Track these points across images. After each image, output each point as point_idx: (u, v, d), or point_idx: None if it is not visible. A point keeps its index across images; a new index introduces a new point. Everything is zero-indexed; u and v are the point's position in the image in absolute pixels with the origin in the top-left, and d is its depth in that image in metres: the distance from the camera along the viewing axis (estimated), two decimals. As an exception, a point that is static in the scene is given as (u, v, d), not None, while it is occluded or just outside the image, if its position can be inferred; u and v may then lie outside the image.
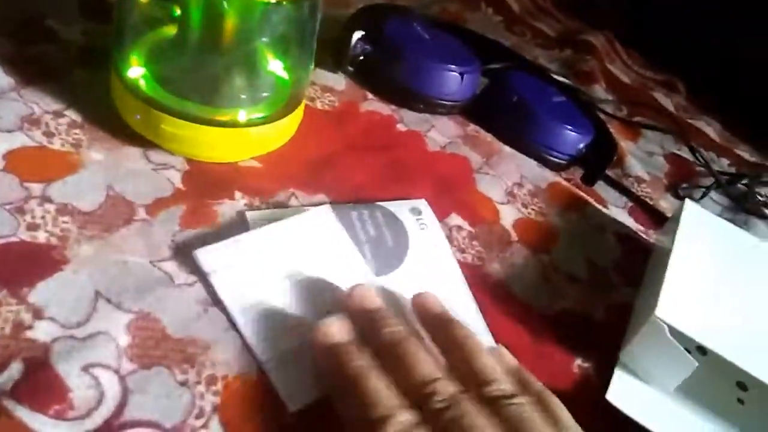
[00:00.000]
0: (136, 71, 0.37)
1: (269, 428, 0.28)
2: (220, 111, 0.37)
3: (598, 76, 0.72)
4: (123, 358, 0.28)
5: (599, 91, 0.70)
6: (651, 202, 0.55)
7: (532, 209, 0.47)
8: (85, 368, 0.27)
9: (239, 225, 0.36)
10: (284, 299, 0.32)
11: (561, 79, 0.61)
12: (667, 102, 0.76)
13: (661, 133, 0.67)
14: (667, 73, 0.82)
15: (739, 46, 0.80)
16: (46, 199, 0.33)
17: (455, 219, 0.43)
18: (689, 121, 0.74)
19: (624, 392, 0.35)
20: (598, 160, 0.52)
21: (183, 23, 0.37)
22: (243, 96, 0.38)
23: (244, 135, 0.37)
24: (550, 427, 0.27)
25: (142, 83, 0.36)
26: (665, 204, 0.56)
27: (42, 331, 0.27)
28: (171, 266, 0.32)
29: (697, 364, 0.34)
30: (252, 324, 0.31)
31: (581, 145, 0.52)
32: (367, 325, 0.30)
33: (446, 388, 0.27)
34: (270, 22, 0.37)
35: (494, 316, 0.37)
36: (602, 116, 0.60)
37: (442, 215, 0.42)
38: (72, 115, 0.38)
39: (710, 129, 0.75)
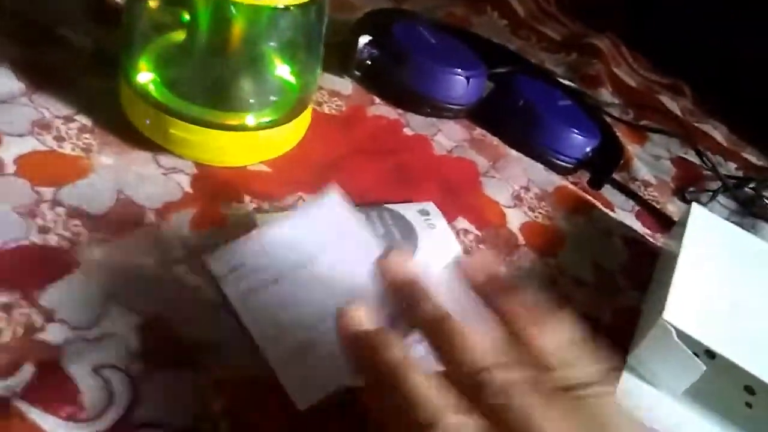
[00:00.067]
0: (145, 76, 0.37)
1: (279, 429, 0.28)
2: (229, 115, 0.37)
3: (604, 79, 0.72)
4: (133, 360, 0.28)
5: (605, 94, 0.70)
6: (658, 206, 0.55)
7: (539, 213, 0.48)
8: (96, 370, 0.27)
9: (248, 228, 0.36)
10: (294, 296, 0.32)
11: (567, 82, 0.61)
12: (673, 105, 0.76)
13: (667, 137, 0.67)
14: (672, 76, 0.82)
15: (745, 49, 0.79)
16: (57, 202, 0.33)
17: (462, 222, 0.43)
18: (696, 124, 0.74)
19: (632, 396, 0.35)
20: (605, 164, 0.52)
21: (191, 28, 0.37)
22: (251, 100, 0.38)
23: (253, 139, 0.38)
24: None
25: (151, 88, 0.37)
26: (672, 208, 0.56)
27: (53, 334, 0.28)
28: (181, 269, 0.32)
29: (705, 367, 0.34)
30: (260, 325, 0.31)
31: (588, 149, 0.52)
32: (405, 296, 0.26)
33: (504, 374, 0.23)
34: (277, 27, 0.38)
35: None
36: (608, 120, 0.60)
37: (448, 219, 0.42)
38: (82, 119, 0.38)
39: (717, 132, 0.74)
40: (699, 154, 0.63)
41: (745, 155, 0.73)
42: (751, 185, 0.63)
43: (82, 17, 0.46)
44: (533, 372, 0.23)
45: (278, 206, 0.38)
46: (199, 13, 0.36)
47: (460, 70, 0.51)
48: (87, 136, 0.37)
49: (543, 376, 0.23)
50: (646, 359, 0.37)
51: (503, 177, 0.49)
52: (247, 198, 0.38)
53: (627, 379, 0.36)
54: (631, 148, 0.62)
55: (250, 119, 0.38)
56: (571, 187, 0.52)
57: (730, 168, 0.69)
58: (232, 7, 0.35)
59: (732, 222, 0.50)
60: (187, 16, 0.37)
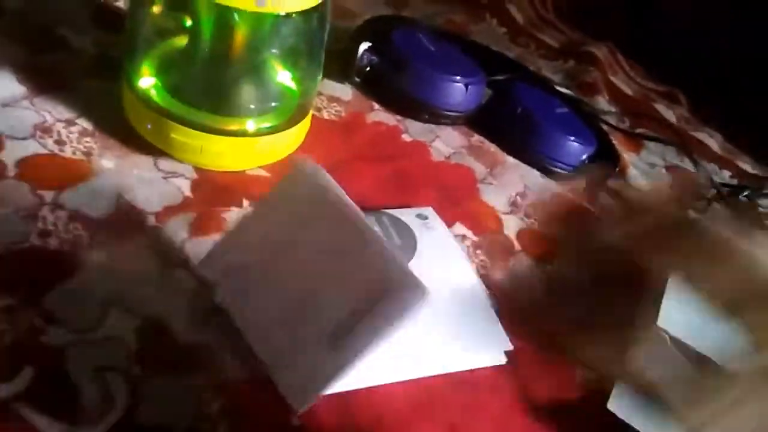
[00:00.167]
0: (147, 81, 0.38)
1: (278, 430, 0.28)
2: (230, 121, 0.37)
3: (601, 87, 0.73)
4: (133, 363, 0.28)
5: (602, 102, 0.70)
6: (653, 213, 0.55)
7: (536, 219, 0.48)
8: (96, 372, 0.27)
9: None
10: (281, 291, 0.30)
11: (564, 90, 0.62)
12: (669, 114, 0.77)
13: (663, 145, 0.67)
14: (669, 84, 0.83)
15: (741, 57, 0.80)
16: (58, 206, 0.33)
17: (459, 228, 0.43)
18: (691, 133, 0.75)
19: (625, 402, 0.36)
20: (601, 171, 0.53)
21: (194, 34, 0.38)
22: (252, 106, 0.39)
23: (253, 144, 0.38)
24: None
25: (153, 93, 0.37)
26: (667, 215, 0.57)
27: (54, 336, 0.28)
28: (180, 273, 0.33)
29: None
30: (252, 326, 0.31)
31: (584, 156, 0.53)
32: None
33: None
34: (279, 34, 0.38)
35: (498, 325, 0.38)
36: (605, 128, 0.60)
37: (446, 224, 0.42)
38: (84, 123, 0.38)
39: (712, 141, 0.75)
40: (694, 162, 0.64)
41: (740, 163, 0.74)
42: (746, 193, 0.63)
43: (85, 22, 0.46)
44: None
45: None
46: (202, 19, 0.36)
47: (458, 77, 0.51)
48: (88, 139, 0.38)
49: None
50: (640, 364, 0.37)
51: (500, 183, 0.50)
52: (246, 202, 0.38)
53: (619, 385, 0.37)
54: (627, 155, 0.62)
55: (250, 125, 0.38)
56: (568, 194, 0.52)
57: (725, 176, 0.69)
58: (234, 14, 0.35)
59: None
60: (189, 22, 0.37)
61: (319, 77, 0.42)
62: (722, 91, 0.80)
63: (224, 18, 0.36)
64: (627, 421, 0.34)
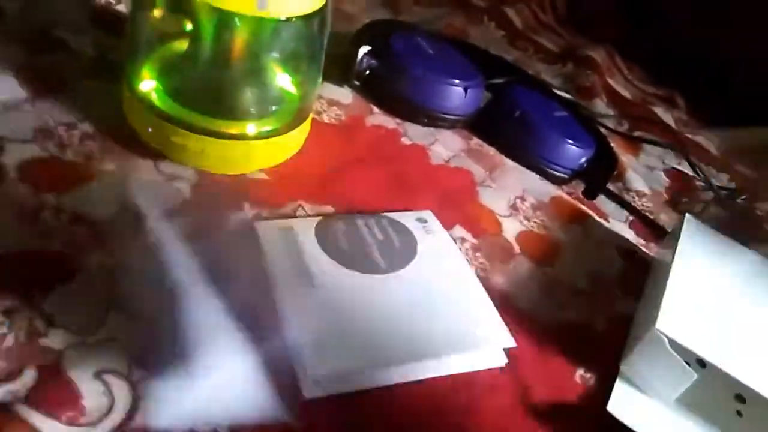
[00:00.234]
0: (148, 84, 0.38)
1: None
2: (230, 124, 0.38)
3: (599, 90, 0.73)
4: (134, 366, 0.28)
5: (600, 105, 0.71)
6: (651, 216, 0.56)
7: (535, 222, 0.48)
8: (97, 375, 0.27)
9: (247, 235, 0.36)
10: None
11: (563, 93, 0.62)
12: (667, 117, 0.77)
13: (661, 148, 0.67)
14: (667, 87, 0.83)
15: (740, 60, 0.81)
16: (58, 209, 0.33)
17: (459, 231, 0.44)
18: (689, 136, 0.75)
19: (624, 403, 0.36)
20: (600, 175, 0.53)
21: (194, 38, 0.38)
22: (252, 109, 0.39)
23: (253, 148, 0.38)
24: None
25: (153, 96, 0.37)
26: (665, 218, 0.57)
27: (55, 339, 0.28)
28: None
29: (696, 376, 0.35)
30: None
31: (583, 160, 0.53)
32: None
33: None
34: (280, 38, 0.38)
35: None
36: (603, 131, 0.61)
37: (446, 227, 0.42)
38: (84, 126, 0.39)
39: (710, 144, 0.75)
40: (692, 165, 0.64)
41: (738, 166, 0.74)
42: (743, 196, 0.64)
43: (86, 25, 0.46)
44: None
45: (277, 214, 0.39)
46: (202, 23, 0.36)
47: (457, 80, 0.52)
48: (89, 142, 0.38)
49: None
50: (638, 367, 0.37)
51: (500, 186, 0.50)
52: (246, 205, 0.38)
53: (619, 387, 0.37)
54: (626, 158, 0.63)
55: (251, 128, 0.38)
56: (566, 197, 0.53)
57: (723, 179, 0.69)
58: (235, 18, 0.35)
59: (724, 233, 0.50)
60: (190, 26, 0.38)
61: (319, 81, 0.42)
62: (721, 94, 0.80)
63: (225, 22, 0.36)
64: (626, 423, 0.35)
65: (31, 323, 0.28)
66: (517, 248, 0.45)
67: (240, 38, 0.37)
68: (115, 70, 0.39)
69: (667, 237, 0.52)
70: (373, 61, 0.51)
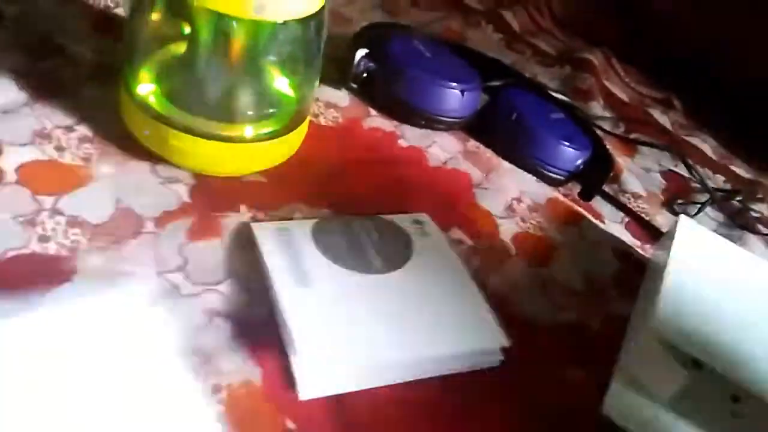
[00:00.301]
0: (145, 88, 0.38)
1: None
2: (227, 127, 0.38)
3: (596, 93, 0.73)
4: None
5: (597, 108, 0.71)
6: (647, 218, 0.56)
7: (531, 224, 0.48)
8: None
9: (245, 237, 0.37)
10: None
11: (559, 96, 0.62)
12: (663, 119, 0.77)
13: (657, 150, 0.68)
14: (664, 90, 0.84)
15: (737, 63, 0.81)
16: (56, 211, 0.34)
17: (456, 233, 0.44)
18: (685, 137, 0.75)
19: (620, 403, 0.36)
20: (596, 176, 0.53)
21: (192, 41, 0.38)
22: (250, 112, 0.39)
23: (251, 150, 0.38)
24: None
25: (151, 99, 0.38)
26: (661, 219, 0.57)
27: (53, 340, 0.28)
28: (177, 277, 0.33)
29: (691, 376, 0.35)
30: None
31: (579, 162, 0.53)
32: None
33: None
34: (277, 41, 0.39)
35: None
36: (600, 133, 0.61)
37: (442, 229, 0.43)
38: (83, 129, 0.39)
39: (706, 146, 0.76)
40: (688, 167, 0.64)
41: (734, 168, 0.74)
42: (739, 198, 0.64)
43: (84, 28, 0.46)
44: None
45: (274, 216, 0.39)
46: (200, 26, 0.37)
47: (454, 83, 0.52)
48: (87, 145, 0.38)
49: None
50: (634, 367, 0.37)
51: (496, 188, 0.50)
52: (243, 207, 0.38)
53: (615, 387, 0.37)
54: (622, 160, 0.63)
55: (248, 131, 0.38)
56: (563, 198, 0.53)
57: (719, 181, 0.70)
58: (232, 22, 0.36)
59: (719, 234, 0.50)
60: (188, 29, 0.38)
61: (317, 84, 0.42)
62: (717, 97, 0.81)
63: (222, 26, 0.36)
64: (621, 424, 0.35)
65: (29, 325, 0.28)
66: (513, 249, 0.45)
67: (237, 41, 0.37)
68: (113, 74, 0.40)
69: (662, 238, 0.52)
70: (371, 64, 0.51)
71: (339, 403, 0.31)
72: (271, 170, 0.41)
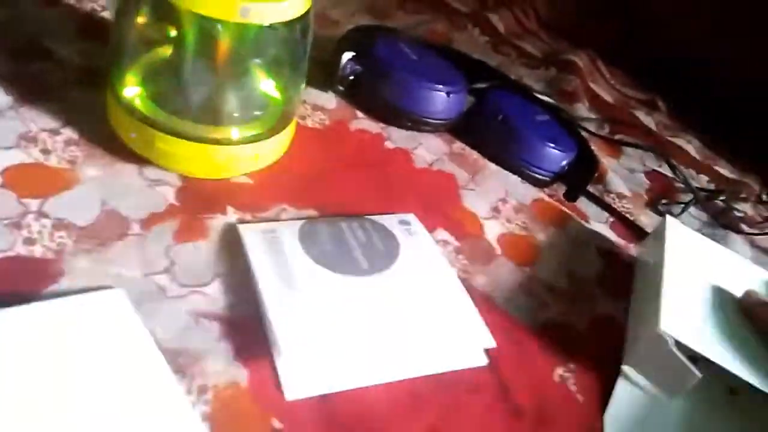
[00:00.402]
0: (132, 90, 0.38)
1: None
2: (214, 129, 0.38)
3: (581, 95, 0.74)
4: (117, 369, 0.28)
5: (582, 109, 0.72)
6: (631, 218, 0.57)
7: (516, 224, 0.49)
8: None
9: (231, 238, 0.37)
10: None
11: (545, 98, 0.63)
12: (648, 120, 0.78)
13: (642, 151, 0.68)
14: (649, 92, 0.85)
15: (719, 66, 0.82)
16: (42, 214, 0.34)
17: (441, 233, 0.44)
18: (670, 138, 0.76)
19: (626, 403, 0.37)
20: (581, 177, 0.54)
21: (178, 44, 0.38)
22: (236, 114, 0.39)
23: (237, 152, 0.39)
24: None
25: (137, 102, 0.38)
26: (646, 219, 0.58)
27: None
28: (164, 279, 0.33)
29: (700, 374, 0.35)
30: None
31: (564, 163, 0.54)
32: None
33: None
34: (263, 44, 0.39)
35: (479, 327, 0.38)
36: (585, 134, 0.62)
37: (428, 230, 0.43)
38: (68, 132, 0.39)
39: (690, 146, 0.77)
40: (672, 167, 0.65)
41: (718, 168, 0.75)
42: (722, 197, 0.65)
43: (70, 32, 0.46)
44: None
45: (261, 218, 0.39)
46: (186, 30, 0.37)
47: (440, 85, 0.52)
48: (73, 148, 0.38)
49: None
50: (641, 368, 0.38)
51: (482, 189, 0.51)
52: (230, 209, 0.39)
53: (622, 388, 0.38)
54: (607, 161, 0.64)
55: (234, 133, 0.39)
56: (548, 199, 0.53)
57: (702, 181, 0.71)
58: (218, 25, 0.36)
59: (703, 233, 0.51)
60: (174, 33, 0.38)
61: (303, 86, 0.43)
62: (701, 98, 0.82)
63: (208, 29, 0.36)
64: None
65: (14, 327, 0.28)
66: (498, 250, 0.46)
67: (223, 44, 0.37)
68: (99, 77, 0.40)
69: (647, 238, 0.53)
70: (357, 67, 0.51)
71: (326, 403, 0.31)
72: (258, 172, 0.41)
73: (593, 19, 0.92)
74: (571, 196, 0.54)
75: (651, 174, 0.66)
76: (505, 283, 0.43)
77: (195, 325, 0.32)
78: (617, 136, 0.70)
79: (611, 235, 0.53)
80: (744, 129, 0.80)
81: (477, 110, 0.56)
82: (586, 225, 0.53)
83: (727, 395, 0.38)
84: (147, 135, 0.37)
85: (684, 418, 0.37)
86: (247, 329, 0.32)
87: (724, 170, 0.76)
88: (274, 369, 0.31)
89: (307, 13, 0.37)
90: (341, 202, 0.43)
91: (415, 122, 0.53)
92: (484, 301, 0.41)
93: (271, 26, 0.36)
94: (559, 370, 0.39)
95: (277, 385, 0.31)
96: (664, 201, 0.62)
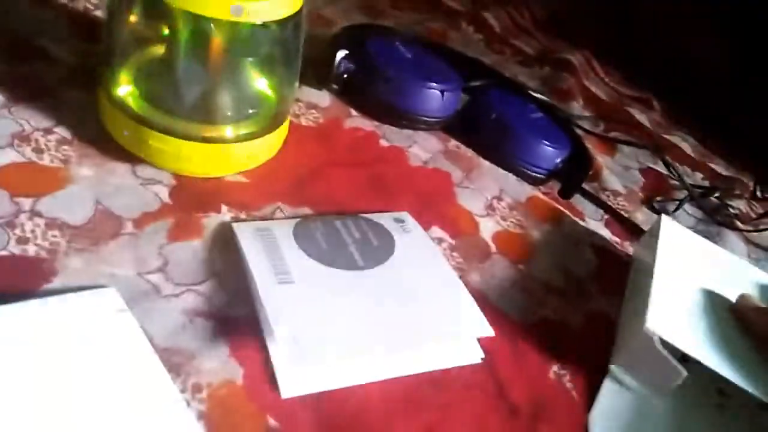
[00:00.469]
0: (124, 89, 0.38)
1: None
2: (207, 128, 0.38)
3: (576, 93, 0.74)
4: (111, 368, 0.28)
5: (576, 107, 0.72)
6: (626, 215, 0.57)
7: (511, 222, 0.49)
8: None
9: (225, 237, 0.37)
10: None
11: (539, 96, 0.63)
12: (643, 118, 0.78)
13: (636, 148, 0.69)
14: (644, 90, 0.85)
15: (716, 64, 0.82)
16: (35, 213, 0.34)
17: (436, 231, 0.44)
18: (665, 136, 0.77)
19: (614, 403, 0.37)
20: (575, 175, 0.54)
21: (171, 43, 0.38)
22: (229, 113, 0.39)
23: (231, 151, 0.39)
24: None
25: (130, 101, 0.38)
26: (641, 216, 0.58)
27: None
28: (157, 278, 0.33)
29: (686, 373, 0.35)
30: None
31: (558, 160, 0.54)
32: None
33: None
34: (256, 42, 0.39)
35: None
36: (579, 132, 0.62)
37: (423, 228, 0.43)
38: (61, 131, 0.39)
39: (685, 144, 0.77)
40: (667, 164, 0.65)
41: (713, 165, 0.76)
42: (717, 195, 0.65)
43: (63, 31, 0.46)
44: None
45: (255, 216, 0.39)
46: (179, 28, 0.37)
47: (435, 83, 0.52)
48: (66, 147, 0.38)
49: None
50: (628, 367, 0.38)
51: (477, 187, 0.51)
52: (224, 208, 0.39)
53: (609, 388, 0.38)
54: (601, 159, 0.64)
55: (228, 131, 0.38)
56: (543, 196, 0.53)
57: (697, 178, 0.71)
58: (211, 24, 0.36)
59: (698, 230, 0.51)
60: (166, 31, 0.38)
61: (296, 84, 0.43)
62: (696, 96, 0.82)
63: (201, 27, 0.36)
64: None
65: (7, 327, 0.28)
66: (493, 247, 0.46)
67: (216, 43, 0.37)
68: (92, 76, 0.39)
69: (643, 236, 0.53)
70: (351, 65, 0.51)
71: (321, 400, 0.31)
72: (252, 171, 0.41)
73: (587, 18, 0.93)
74: (566, 194, 0.54)
75: (646, 171, 0.67)
76: (500, 280, 0.43)
77: (189, 323, 0.32)
78: (612, 134, 0.70)
79: (606, 233, 0.53)
80: (738, 126, 0.81)
81: (472, 108, 0.56)
82: (581, 222, 0.53)
83: (716, 397, 0.38)
84: (140, 134, 0.36)
85: (671, 419, 0.37)
86: (241, 327, 0.32)
87: (719, 167, 0.76)
88: (269, 367, 0.31)
89: (299, 11, 0.37)
90: (336, 200, 0.43)
91: (409, 120, 0.53)
92: (479, 299, 0.40)
93: (263, 25, 0.36)
94: (555, 368, 0.39)
95: (273, 383, 0.31)
96: (659, 198, 0.62)
